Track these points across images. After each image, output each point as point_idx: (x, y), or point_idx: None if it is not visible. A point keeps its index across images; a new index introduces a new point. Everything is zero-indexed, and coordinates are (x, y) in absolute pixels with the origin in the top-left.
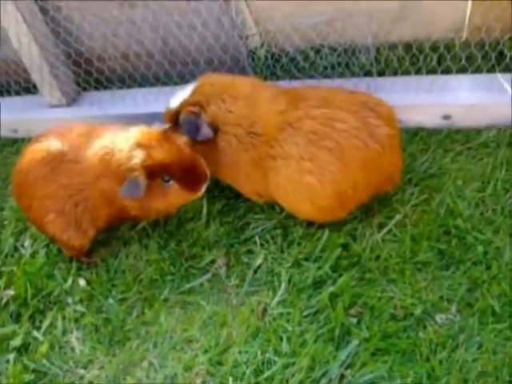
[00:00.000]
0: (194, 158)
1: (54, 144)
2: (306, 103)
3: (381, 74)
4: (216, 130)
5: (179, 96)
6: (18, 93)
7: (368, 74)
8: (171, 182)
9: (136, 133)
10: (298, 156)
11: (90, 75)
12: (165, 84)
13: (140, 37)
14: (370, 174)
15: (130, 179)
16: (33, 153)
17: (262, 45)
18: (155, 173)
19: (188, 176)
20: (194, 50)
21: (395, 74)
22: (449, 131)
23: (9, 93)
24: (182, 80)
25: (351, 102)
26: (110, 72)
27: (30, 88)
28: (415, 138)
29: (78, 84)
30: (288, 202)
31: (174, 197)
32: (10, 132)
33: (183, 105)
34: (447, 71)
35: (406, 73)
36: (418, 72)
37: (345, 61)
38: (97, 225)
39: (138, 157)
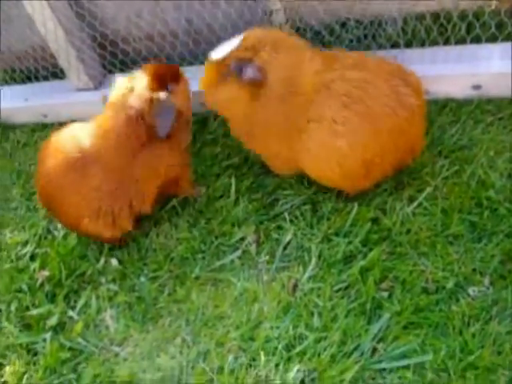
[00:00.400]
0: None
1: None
2: (341, 65)
3: (408, 45)
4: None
5: (224, 48)
6: (46, 78)
7: (395, 45)
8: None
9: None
10: (331, 119)
11: (115, 57)
12: (190, 64)
13: (164, 17)
14: (397, 143)
15: (159, 105)
16: (55, 157)
17: (287, 20)
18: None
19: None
20: (218, 28)
21: (423, 44)
22: (479, 101)
23: (37, 78)
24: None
25: (383, 68)
26: (135, 54)
27: (57, 73)
28: (444, 109)
29: (104, 67)
30: (316, 168)
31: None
32: (40, 117)
33: (233, 53)
34: (476, 40)
35: (434, 43)
36: (446, 42)
37: (371, 33)
38: (135, 211)
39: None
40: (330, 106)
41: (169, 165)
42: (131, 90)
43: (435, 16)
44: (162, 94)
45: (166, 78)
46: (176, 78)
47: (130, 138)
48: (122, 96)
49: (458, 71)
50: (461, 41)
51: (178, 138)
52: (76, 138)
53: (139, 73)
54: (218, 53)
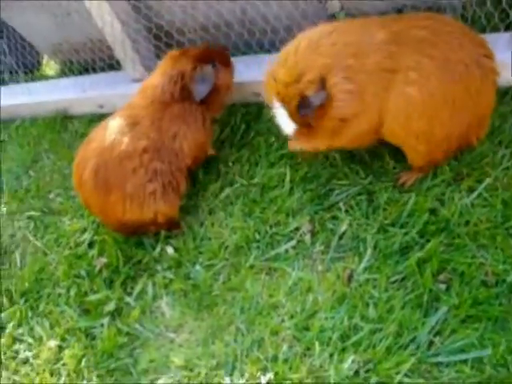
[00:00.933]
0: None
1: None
2: (411, 18)
3: None
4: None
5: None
6: (102, 69)
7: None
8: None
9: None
10: (406, 67)
11: (170, 48)
12: (244, 54)
13: (219, 8)
14: (468, 103)
15: (198, 76)
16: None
17: (342, 8)
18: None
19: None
20: (272, 18)
21: (483, 31)
22: None
23: (94, 70)
24: (262, 49)
25: (457, 24)
26: (189, 44)
27: (113, 64)
28: (506, 97)
29: (159, 58)
30: (391, 124)
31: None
32: (97, 107)
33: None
34: None
35: (495, 29)
36: (507, 28)
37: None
38: (181, 189)
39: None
40: (404, 54)
41: (195, 127)
42: (180, 58)
43: (496, 2)
44: (206, 66)
45: (214, 57)
46: (225, 61)
47: (165, 93)
48: (170, 60)
49: None
50: None
51: (209, 108)
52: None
53: (192, 48)
54: (287, 128)
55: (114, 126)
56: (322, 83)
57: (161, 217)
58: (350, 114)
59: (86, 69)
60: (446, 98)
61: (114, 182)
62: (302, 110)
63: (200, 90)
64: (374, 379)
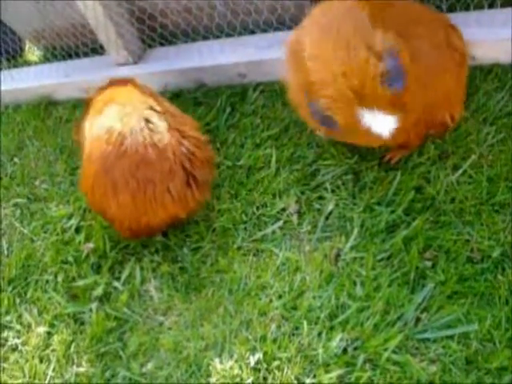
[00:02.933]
0: None
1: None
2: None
3: (452, 10)
4: None
5: None
6: (86, 54)
7: (437, 10)
8: None
9: None
10: None
11: (154, 31)
12: (229, 35)
13: None
14: (439, 81)
15: None
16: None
17: None
18: None
19: None
20: None
21: (467, 8)
22: None
23: (77, 55)
24: (246, 30)
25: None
26: (173, 27)
27: (97, 49)
28: (490, 75)
29: (143, 41)
30: None
31: None
32: (81, 93)
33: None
34: None
35: (479, 7)
36: (491, 6)
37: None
38: None
39: None
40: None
41: None
42: None
43: None
44: None
45: None
46: None
47: None
48: None
49: (504, 35)
50: (507, 3)
51: None
52: None
53: None
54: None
55: None
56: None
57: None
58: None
59: (69, 54)
60: (420, 79)
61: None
62: (391, 82)
63: None
64: (362, 356)
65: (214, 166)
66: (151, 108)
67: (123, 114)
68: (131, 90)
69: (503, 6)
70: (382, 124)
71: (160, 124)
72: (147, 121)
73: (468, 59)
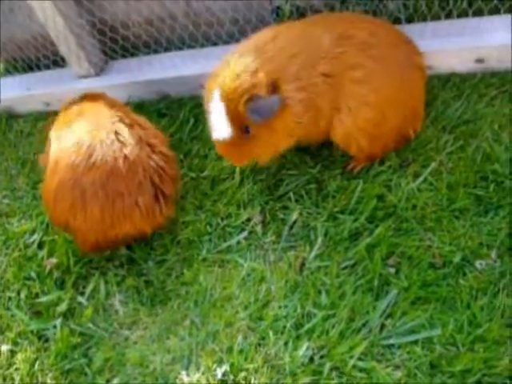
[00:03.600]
0: None
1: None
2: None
3: (410, 20)
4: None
5: (220, 123)
6: (47, 67)
7: (396, 21)
8: None
9: None
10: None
11: (115, 43)
12: (190, 47)
13: None
14: (406, 97)
15: None
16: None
17: (287, 0)
18: None
19: None
20: (217, 9)
21: (424, 19)
22: (483, 75)
23: (38, 67)
24: (208, 41)
25: (387, 25)
26: (135, 38)
27: (58, 61)
28: (448, 84)
29: (105, 53)
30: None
31: None
32: (43, 106)
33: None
34: (479, 13)
35: (436, 18)
36: (448, 16)
37: (372, 9)
38: None
39: None
40: (349, 54)
41: None
42: None
43: None
44: None
45: None
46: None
47: None
48: None
49: (460, 45)
50: (463, 14)
51: None
52: None
53: None
54: (220, 132)
55: None
56: (274, 87)
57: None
58: (303, 122)
59: (30, 67)
60: (387, 95)
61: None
62: (253, 113)
63: None
64: (328, 364)
65: (179, 182)
66: (121, 121)
67: (92, 127)
68: (100, 104)
69: (459, 16)
70: (218, 128)
71: (130, 137)
72: (117, 133)
73: (426, 73)
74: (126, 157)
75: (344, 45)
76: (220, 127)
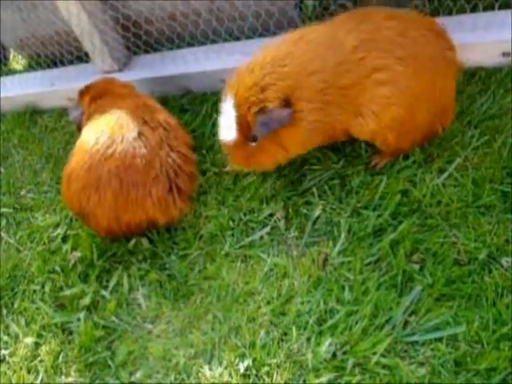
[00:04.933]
0: None
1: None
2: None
3: (434, 14)
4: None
5: (228, 125)
6: (71, 62)
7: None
8: None
9: None
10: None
11: (139, 39)
12: (214, 42)
13: None
14: (435, 93)
15: None
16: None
17: None
18: None
19: None
20: (240, 4)
21: (450, 13)
22: (509, 69)
23: (62, 63)
24: (231, 36)
25: (417, 18)
26: (158, 34)
27: (82, 57)
28: (473, 78)
29: (128, 48)
30: (370, 122)
31: None
32: (66, 101)
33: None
34: (505, 6)
35: (462, 11)
36: (473, 9)
37: (395, 4)
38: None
39: None
40: (373, 57)
41: None
42: None
43: None
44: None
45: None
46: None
47: None
48: None
49: (486, 39)
50: (489, 7)
51: None
52: None
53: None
54: (225, 135)
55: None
56: (286, 102)
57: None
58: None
59: (54, 62)
60: (416, 93)
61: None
62: (261, 126)
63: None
64: (351, 361)
65: (197, 180)
66: (145, 123)
67: (117, 124)
68: (130, 101)
69: (485, 9)
70: (225, 130)
71: (152, 138)
72: (140, 134)
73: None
74: (143, 156)
75: (368, 49)
76: (227, 130)
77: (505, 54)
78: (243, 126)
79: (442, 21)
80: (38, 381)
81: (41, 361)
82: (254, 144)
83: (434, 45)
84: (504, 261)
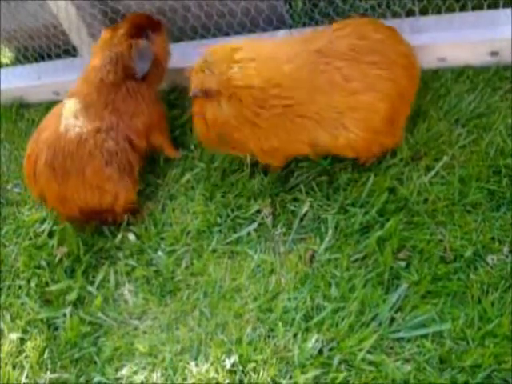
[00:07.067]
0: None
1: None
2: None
3: (423, 12)
4: None
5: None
6: (58, 56)
7: (410, 13)
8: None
9: None
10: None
11: None
12: (203, 37)
13: None
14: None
15: (136, 54)
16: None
17: None
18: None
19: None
20: (230, 0)
21: (439, 11)
22: (497, 68)
23: (49, 56)
24: (220, 32)
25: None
26: None
27: (69, 50)
28: (461, 77)
29: None
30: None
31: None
32: (53, 95)
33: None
34: (494, 5)
35: (450, 10)
36: (462, 8)
37: (385, 1)
38: (135, 172)
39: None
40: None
41: (146, 102)
42: (113, 36)
43: None
44: (141, 41)
45: (146, 27)
46: (156, 28)
47: (109, 74)
48: (104, 42)
49: (474, 38)
50: (477, 6)
51: (153, 80)
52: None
53: (122, 23)
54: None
55: (66, 112)
56: None
57: (120, 201)
58: None
59: (41, 56)
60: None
61: (72, 168)
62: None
63: (141, 67)
64: (337, 357)
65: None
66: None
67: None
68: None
69: (474, 8)
70: None
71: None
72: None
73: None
74: (81, 135)
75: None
76: None
77: (493, 53)
78: None
79: (431, 19)
80: (23, 377)
81: (26, 356)
82: None
83: (395, 49)
84: (490, 258)
